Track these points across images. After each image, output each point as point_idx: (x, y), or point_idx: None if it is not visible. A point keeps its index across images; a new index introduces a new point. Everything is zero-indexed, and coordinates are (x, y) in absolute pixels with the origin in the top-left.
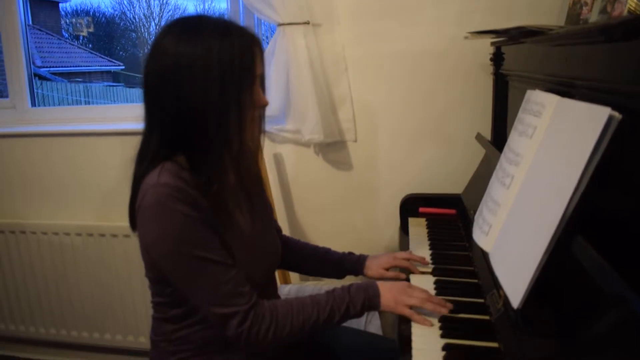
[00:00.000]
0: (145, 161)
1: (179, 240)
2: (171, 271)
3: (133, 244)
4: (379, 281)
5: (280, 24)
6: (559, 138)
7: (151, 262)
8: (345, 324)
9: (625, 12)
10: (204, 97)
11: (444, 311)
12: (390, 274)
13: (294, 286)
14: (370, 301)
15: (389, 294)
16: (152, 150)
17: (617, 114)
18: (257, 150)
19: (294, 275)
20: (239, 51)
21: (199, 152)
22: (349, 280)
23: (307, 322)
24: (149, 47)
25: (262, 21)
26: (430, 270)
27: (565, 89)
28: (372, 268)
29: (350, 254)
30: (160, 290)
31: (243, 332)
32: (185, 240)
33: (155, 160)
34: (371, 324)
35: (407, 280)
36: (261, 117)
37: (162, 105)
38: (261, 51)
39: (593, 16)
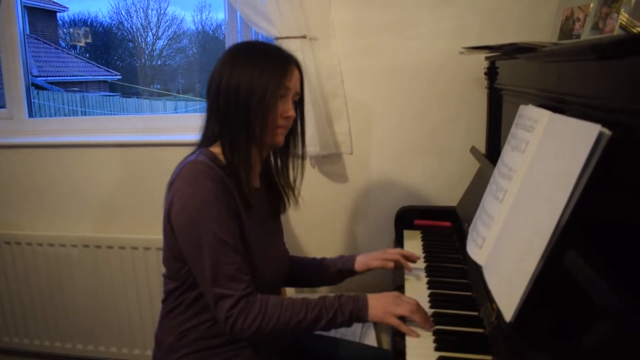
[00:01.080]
0: (199, 147)
1: (201, 212)
2: (186, 240)
3: (129, 256)
4: (369, 294)
5: (277, 38)
6: (551, 153)
7: (170, 231)
8: (340, 336)
9: (616, 28)
10: (236, 95)
11: (428, 328)
12: (377, 262)
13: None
14: (358, 311)
15: (378, 304)
16: (205, 139)
17: (607, 131)
18: (294, 173)
19: (289, 289)
20: (271, 66)
21: (230, 140)
22: (348, 288)
23: (293, 319)
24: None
25: (260, 34)
26: (424, 280)
27: (557, 104)
28: (361, 262)
29: (341, 255)
30: (174, 271)
31: (231, 317)
32: (206, 214)
33: (201, 145)
34: (366, 335)
35: (402, 286)
36: (299, 136)
37: (216, 110)
38: (299, 70)
39: (585, 32)
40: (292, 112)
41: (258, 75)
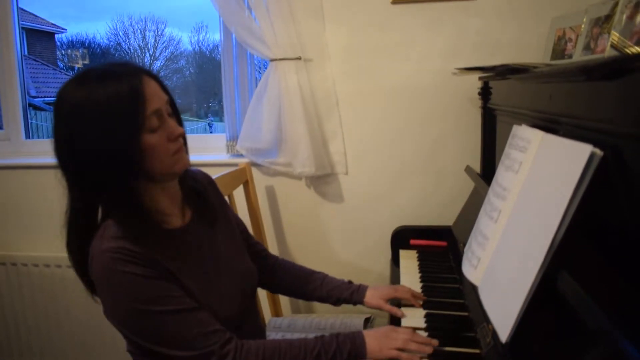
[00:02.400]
0: (77, 231)
1: (134, 301)
2: (136, 332)
3: None
4: (364, 330)
5: (272, 59)
6: (543, 173)
7: (117, 326)
8: None
9: (608, 47)
10: (95, 152)
11: (428, 350)
12: (389, 307)
13: (285, 319)
14: (356, 350)
15: (374, 341)
16: (80, 218)
17: (598, 151)
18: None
19: (285, 308)
20: (115, 97)
21: (115, 204)
22: (344, 309)
23: None
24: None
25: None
26: (419, 287)
27: (550, 124)
28: (373, 298)
29: (350, 282)
30: (132, 344)
31: None
32: (140, 300)
33: (90, 226)
34: None
35: (398, 306)
36: (182, 146)
37: (68, 169)
38: (158, 83)
39: (577, 52)
40: (178, 129)
41: (110, 117)
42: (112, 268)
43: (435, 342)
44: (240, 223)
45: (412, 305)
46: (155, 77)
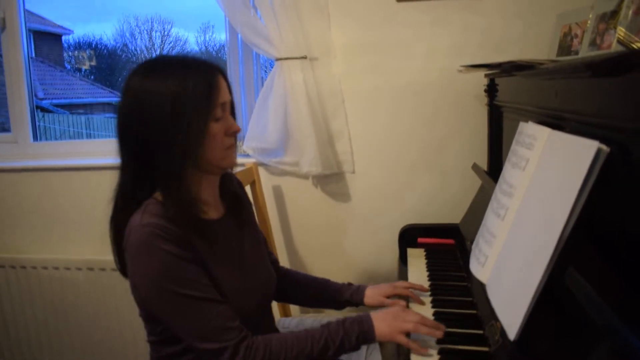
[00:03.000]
0: (124, 203)
1: (164, 279)
2: (159, 309)
3: None
4: (372, 312)
5: (278, 59)
6: (550, 170)
7: (140, 300)
8: (345, 357)
9: (614, 43)
10: (160, 125)
11: (439, 334)
12: (389, 301)
13: (294, 319)
14: (365, 334)
15: (383, 323)
16: (128, 191)
17: (605, 147)
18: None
19: (294, 308)
20: (193, 83)
21: (165, 180)
22: (348, 312)
23: (300, 355)
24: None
25: (261, 55)
26: (429, 299)
27: (556, 121)
28: (372, 296)
29: (350, 284)
30: (152, 328)
31: None
32: (170, 279)
33: (131, 201)
34: (372, 356)
35: (407, 306)
36: (234, 145)
37: (129, 140)
38: (225, 80)
39: (583, 48)
40: (237, 126)
41: (182, 97)
42: (150, 242)
43: (443, 327)
44: (261, 232)
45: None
46: (226, 77)
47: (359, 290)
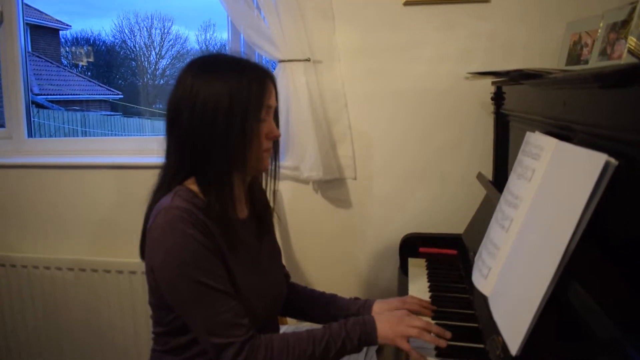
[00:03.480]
0: (162, 187)
1: (184, 263)
2: (173, 294)
3: (126, 281)
4: (375, 314)
5: (280, 60)
6: (557, 182)
7: (155, 284)
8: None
9: (625, 53)
10: (212, 123)
11: (443, 343)
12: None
13: (290, 326)
14: (367, 335)
15: (386, 325)
16: (169, 176)
17: (613, 160)
18: (269, 187)
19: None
20: (248, 84)
21: (207, 172)
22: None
23: (302, 356)
24: (173, 83)
25: (263, 57)
26: (427, 297)
27: (564, 132)
28: (380, 312)
29: (357, 298)
30: (161, 318)
31: None
32: (190, 264)
33: (171, 184)
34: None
35: None
36: (276, 151)
37: (178, 131)
38: (274, 85)
39: (593, 57)
40: (278, 131)
41: (237, 96)
42: (176, 225)
43: (448, 334)
44: (278, 245)
45: (423, 315)
46: (275, 83)
47: (366, 305)
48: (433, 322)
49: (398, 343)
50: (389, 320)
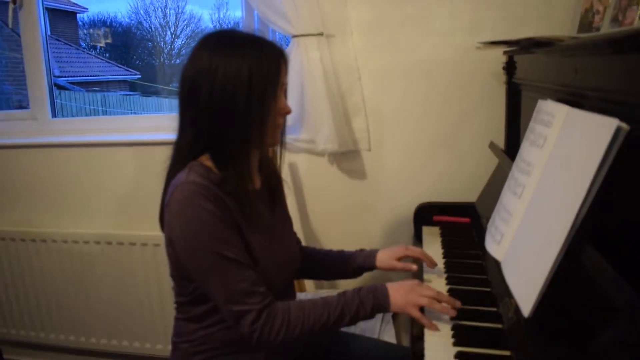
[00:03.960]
0: (178, 163)
1: (202, 235)
2: (191, 265)
3: (151, 252)
4: (388, 283)
5: (294, 36)
6: (568, 148)
7: (175, 256)
8: (359, 332)
9: (637, 19)
10: (232, 99)
11: (452, 313)
12: (401, 264)
13: (308, 294)
14: (380, 304)
15: (398, 294)
16: (184, 151)
17: (625, 125)
18: (279, 159)
19: (309, 285)
20: (266, 62)
21: (224, 149)
22: (364, 278)
23: (317, 323)
24: (185, 58)
25: (277, 32)
26: (443, 276)
27: (575, 99)
28: (383, 259)
29: (362, 250)
30: (183, 288)
31: (256, 330)
32: (207, 236)
33: (186, 160)
34: (385, 331)
35: (421, 273)
36: (284, 126)
37: (194, 106)
38: (286, 64)
39: (604, 24)
40: (289, 108)
41: (257, 73)
42: (192, 199)
43: (458, 303)
44: (289, 215)
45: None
46: (287, 61)
47: (371, 254)
48: (446, 286)
49: (409, 311)
50: (400, 289)
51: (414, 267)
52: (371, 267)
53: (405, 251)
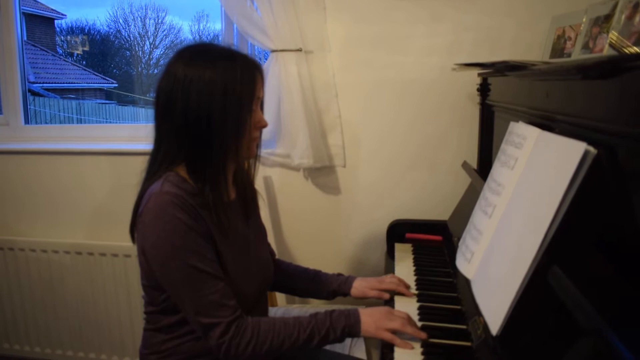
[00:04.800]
0: (153, 173)
1: (174, 245)
2: (163, 275)
3: (121, 263)
4: (361, 308)
5: (273, 50)
6: (538, 170)
7: (146, 265)
8: (329, 348)
9: (606, 47)
10: (207, 112)
11: (423, 335)
12: (374, 293)
13: (280, 309)
14: (350, 328)
15: (370, 319)
16: (158, 163)
17: (592, 149)
18: (253, 171)
19: (280, 299)
20: (241, 74)
21: (200, 161)
22: (338, 301)
23: (286, 341)
24: (161, 70)
25: (256, 46)
26: (414, 293)
27: (546, 122)
28: (358, 289)
29: (340, 275)
30: (153, 298)
31: (224, 344)
32: (180, 246)
33: (161, 170)
34: (356, 347)
35: (392, 299)
36: (259, 139)
37: (169, 118)
38: (262, 77)
39: (576, 51)
40: (265, 121)
41: (231, 87)
42: (166, 209)
43: (424, 335)
44: (263, 225)
45: (404, 295)
46: (262, 74)
47: (348, 281)
48: (417, 303)
49: (381, 335)
50: (372, 314)
51: (386, 295)
52: (345, 293)
53: (380, 285)
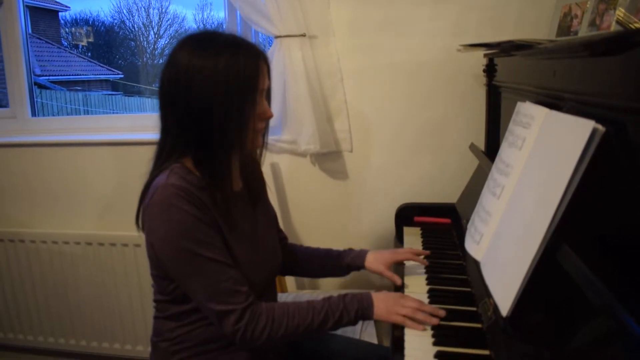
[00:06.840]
0: (160, 164)
1: (182, 238)
2: (173, 267)
3: (131, 253)
4: (373, 292)
5: (277, 36)
6: (546, 149)
7: (155, 258)
8: (339, 332)
9: (613, 24)
10: (210, 103)
11: (435, 321)
12: (389, 273)
13: (290, 294)
14: (363, 311)
15: (382, 304)
16: (165, 153)
17: (600, 127)
18: (259, 159)
19: (290, 285)
20: (244, 65)
21: (203, 152)
22: (352, 277)
23: (301, 325)
24: (165, 60)
25: (260, 33)
26: (424, 276)
27: (554, 101)
28: (373, 262)
29: (350, 249)
30: (163, 287)
31: (239, 330)
32: (188, 238)
33: (168, 161)
34: (366, 331)
35: (403, 285)
36: (265, 129)
37: (174, 109)
38: (267, 66)
39: (582, 28)
40: (271, 112)
41: (234, 77)
42: (172, 201)
43: (442, 312)
44: (274, 210)
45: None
46: (268, 63)
47: (361, 254)
48: (426, 286)
49: (393, 319)
50: (385, 299)
51: (399, 281)
52: (360, 267)
53: (395, 257)
